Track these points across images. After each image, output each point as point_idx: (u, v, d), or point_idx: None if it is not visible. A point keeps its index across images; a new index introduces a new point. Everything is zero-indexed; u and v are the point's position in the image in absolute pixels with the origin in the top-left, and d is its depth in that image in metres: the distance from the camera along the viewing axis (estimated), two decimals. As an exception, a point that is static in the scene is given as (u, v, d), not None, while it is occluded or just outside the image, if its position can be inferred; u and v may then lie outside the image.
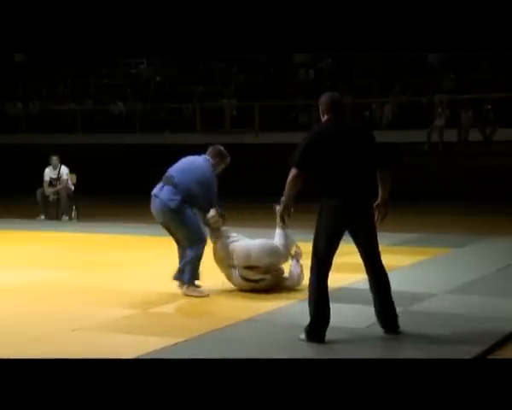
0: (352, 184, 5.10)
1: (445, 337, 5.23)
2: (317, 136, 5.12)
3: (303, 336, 5.11)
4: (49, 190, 13.36)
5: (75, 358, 4.37)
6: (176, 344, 5.01)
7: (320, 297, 5.14)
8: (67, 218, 13.16)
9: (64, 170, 13.51)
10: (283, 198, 5.21)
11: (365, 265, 5.32)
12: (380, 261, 5.30)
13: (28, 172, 17.22)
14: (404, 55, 19.83)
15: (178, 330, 5.42)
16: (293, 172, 5.07)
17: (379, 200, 5.24)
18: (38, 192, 13.43)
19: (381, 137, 18.52)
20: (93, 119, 22.26)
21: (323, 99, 5.26)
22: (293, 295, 6.56)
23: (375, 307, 5.32)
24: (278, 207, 5.52)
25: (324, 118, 5.23)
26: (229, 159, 6.94)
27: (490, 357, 4.83)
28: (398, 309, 6.03)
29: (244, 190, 18.20)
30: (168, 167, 6.83)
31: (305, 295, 6.47)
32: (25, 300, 6.46)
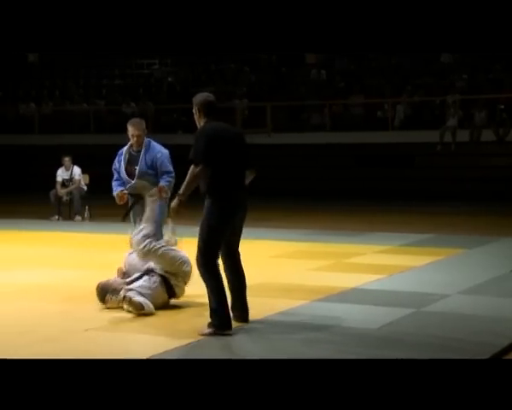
0: (240, 182, 5.42)
1: (459, 338, 5.20)
2: (215, 135, 5.35)
3: (207, 331, 5.22)
4: (62, 191, 13.43)
5: (87, 358, 4.39)
6: (188, 344, 5.02)
7: (223, 287, 5.33)
8: (80, 218, 13.21)
9: (76, 171, 13.56)
10: (181, 193, 5.33)
11: (227, 255, 5.48)
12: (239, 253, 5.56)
13: (41, 173, 17.30)
14: (417, 55, 19.74)
15: (191, 330, 5.42)
16: (196, 168, 5.25)
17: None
18: (51, 193, 13.49)
19: (394, 137, 18.61)
20: (105, 119, 22.33)
21: (200, 100, 5.46)
22: (307, 295, 6.54)
23: (232, 297, 5.51)
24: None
25: (203, 119, 5.43)
26: (129, 128, 6.92)
27: (504, 357, 4.80)
28: (412, 310, 6.02)
29: (256, 191, 18.18)
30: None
31: (318, 295, 6.48)
32: (38, 300, 6.48)
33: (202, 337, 5.17)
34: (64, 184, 13.46)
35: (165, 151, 6.92)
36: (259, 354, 4.74)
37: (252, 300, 6.39)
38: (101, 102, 23.07)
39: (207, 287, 5.33)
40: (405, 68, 20.23)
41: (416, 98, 19.44)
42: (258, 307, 6.14)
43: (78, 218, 13.22)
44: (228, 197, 5.32)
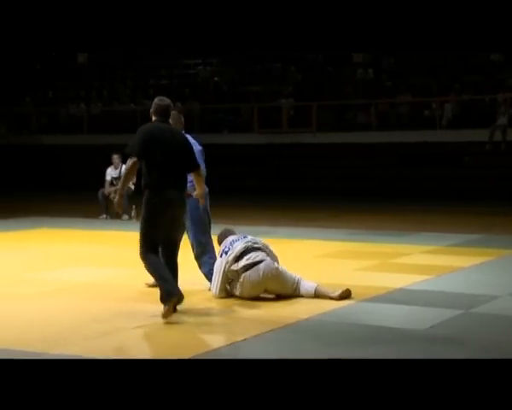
0: (173, 181, 5.79)
1: (508, 340, 5.11)
2: (151, 133, 5.84)
3: (164, 309, 5.57)
4: (110, 189, 13.63)
5: (132, 358, 4.44)
6: (231, 344, 5.04)
7: (164, 267, 5.76)
8: (127, 217, 13.37)
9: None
10: (119, 186, 5.83)
11: (164, 249, 5.88)
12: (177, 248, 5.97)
13: (90, 172, 17.58)
14: (466, 53, 19.45)
15: (237, 329, 5.44)
16: (131, 161, 5.76)
17: (197, 193, 6.20)
18: (100, 193, 13.71)
19: (442, 136, 18.35)
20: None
21: (154, 103, 6.06)
22: (353, 295, 6.49)
23: None
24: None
25: (153, 119, 6.01)
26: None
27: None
28: (461, 311, 5.94)
29: (302, 190, 18.17)
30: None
31: (364, 296, 6.43)
32: (86, 298, 6.58)
33: (248, 337, 5.18)
34: (112, 182, 13.66)
35: (199, 147, 6.88)
36: (304, 354, 4.73)
37: (297, 299, 6.38)
38: (148, 102, 23.23)
39: (149, 272, 5.85)
40: (453, 66, 19.94)
41: (464, 97, 19.14)
42: (303, 306, 6.13)
43: (125, 217, 13.38)
44: (158, 194, 5.70)
